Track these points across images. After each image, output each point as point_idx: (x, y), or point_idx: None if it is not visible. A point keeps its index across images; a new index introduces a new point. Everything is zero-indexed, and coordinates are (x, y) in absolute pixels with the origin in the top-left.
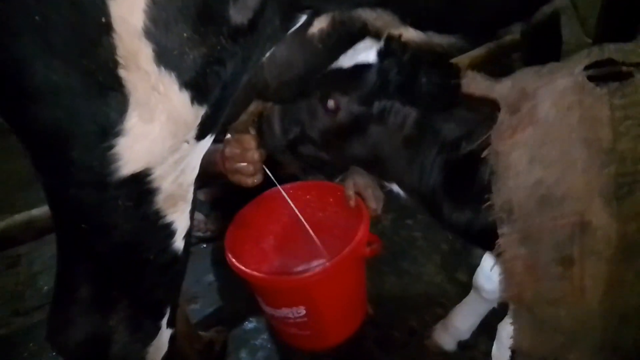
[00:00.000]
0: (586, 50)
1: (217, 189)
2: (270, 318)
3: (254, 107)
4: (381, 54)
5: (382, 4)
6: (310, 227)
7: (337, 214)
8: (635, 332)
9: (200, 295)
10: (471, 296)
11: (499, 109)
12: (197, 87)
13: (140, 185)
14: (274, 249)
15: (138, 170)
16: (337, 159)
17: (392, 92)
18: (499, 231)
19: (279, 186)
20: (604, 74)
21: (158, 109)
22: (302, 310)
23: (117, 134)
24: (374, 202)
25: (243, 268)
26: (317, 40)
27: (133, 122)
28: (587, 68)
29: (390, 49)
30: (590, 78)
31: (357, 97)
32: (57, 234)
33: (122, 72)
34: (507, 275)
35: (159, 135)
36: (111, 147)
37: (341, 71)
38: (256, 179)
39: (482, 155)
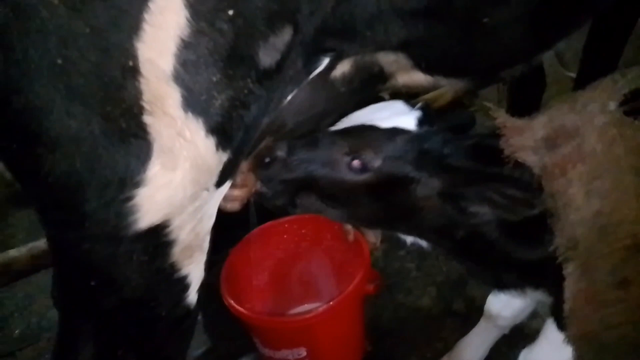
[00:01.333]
0: (609, 80)
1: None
2: (268, 359)
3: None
4: (419, 122)
5: (402, 48)
6: (306, 262)
7: (334, 248)
8: None
9: None
10: (481, 326)
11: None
12: (222, 133)
13: (158, 237)
14: (268, 287)
15: (157, 223)
16: (343, 215)
17: (424, 162)
18: (565, 271)
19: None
20: (637, 106)
21: (182, 156)
22: (303, 352)
23: (137, 184)
24: (373, 236)
25: (243, 310)
26: (339, 83)
27: (155, 170)
28: (622, 103)
29: (429, 117)
30: (627, 113)
31: (388, 161)
32: (59, 289)
33: (147, 119)
34: (571, 313)
35: (181, 183)
36: (130, 198)
37: (376, 131)
38: (236, 205)
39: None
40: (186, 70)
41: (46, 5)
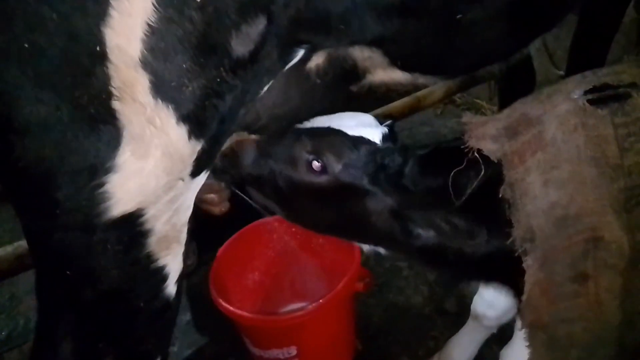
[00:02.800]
0: (579, 75)
1: (191, 221)
2: (258, 359)
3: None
4: (384, 138)
5: (377, 44)
6: (296, 261)
7: (324, 246)
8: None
9: (177, 335)
10: (469, 325)
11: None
12: (194, 121)
13: (132, 227)
14: (258, 286)
15: (130, 211)
16: (292, 215)
17: (382, 178)
18: (524, 264)
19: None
20: (602, 97)
21: (153, 144)
22: (294, 351)
23: (108, 170)
24: None
25: (233, 309)
26: (314, 75)
27: (126, 157)
28: (585, 93)
29: (394, 136)
30: (590, 101)
31: (347, 169)
32: (37, 282)
33: (116, 104)
34: (526, 302)
35: (153, 171)
36: (101, 185)
37: (342, 136)
38: (223, 208)
39: (503, 195)
40: (155, 57)
41: None
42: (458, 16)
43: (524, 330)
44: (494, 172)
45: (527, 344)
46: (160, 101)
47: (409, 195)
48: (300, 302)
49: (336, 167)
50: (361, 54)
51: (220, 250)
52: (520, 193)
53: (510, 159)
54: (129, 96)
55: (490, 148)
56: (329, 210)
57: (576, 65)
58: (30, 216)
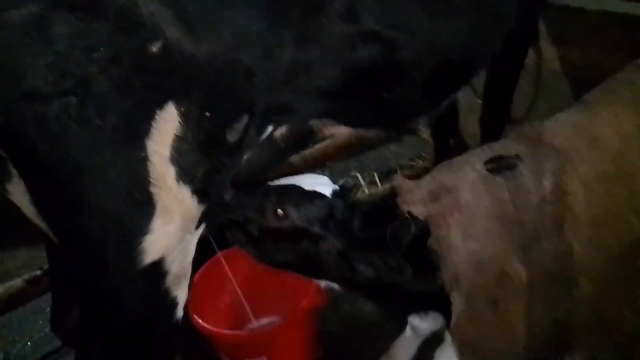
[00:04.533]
0: (479, 149)
1: None
2: None
3: None
4: (335, 194)
5: (327, 115)
6: (262, 282)
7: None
8: (540, 339)
9: None
10: (408, 332)
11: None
12: (202, 192)
13: (157, 270)
14: (229, 307)
15: (156, 259)
16: (261, 255)
17: (331, 225)
18: (451, 299)
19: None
20: (498, 166)
21: (175, 212)
22: (265, 359)
23: (145, 233)
24: None
25: (209, 327)
26: (279, 141)
27: (157, 224)
28: (486, 163)
29: (343, 193)
30: (489, 171)
31: (303, 216)
32: (81, 318)
33: (153, 190)
34: (456, 328)
35: (174, 231)
36: (140, 243)
37: (301, 191)
38: None
39: (428, 245)
40: (179, 155)
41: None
42: (384, 94)
43: (453, 345)
44: (420, 228)
45: (457, 356)
46: (182, 183)
47: (353, 240)
48: (268, 317)
49: (294, 214)
50: (315, 121)
51: (196, 276)
52: (445, 246)
53: (436, 219)
54: (161, 183)
55: (419, 210)
56: (289, 250)
57: (490, 101)
58: (84, 269)
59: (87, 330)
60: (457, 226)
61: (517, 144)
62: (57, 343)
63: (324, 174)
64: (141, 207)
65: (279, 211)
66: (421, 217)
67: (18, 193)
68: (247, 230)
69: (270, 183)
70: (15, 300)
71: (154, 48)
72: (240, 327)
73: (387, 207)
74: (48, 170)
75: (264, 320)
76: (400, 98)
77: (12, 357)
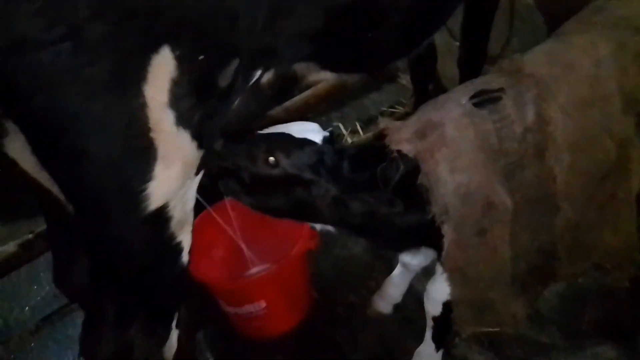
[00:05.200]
0: (462, 85)
1: None
2: (233, 317)
3: None
4: (324, 140)
5: (312, 58)
6: (255, 231)
7: None
8: (525, 264)
9: None
10: (399, 269)
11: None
12: (199, 138)
13: (161, 216)
14: (225, 257)
15: (161, 205)
16: (255, 203)
17: (322, 170)
18: (442, 231)
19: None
20: (482, 100)
21: (175, 158)
22: (263, 304)
23: (147, 180)
24: None
25: (211, 277)
26: (265, 88)
27: (159, 169)
28: (470, 98)
29: (332, 139)
30: (474, 105)
31: (294, 163)
32: (90, 267)
33: (153, 135)
34: (445, 255)
35: (175, 176)
36: (145, 189)
37: (291, 139)
38: None
39: (418, 181)
40: (176, 99)
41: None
42: (369, 35)
43: (444, 273)
44: (409, 165)
45: (448, 283)
46: (181, 128)
47: (344, 183)
48: (262, 264)
49: (285, 161)
50: (300, 66)
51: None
52: (434, 180)
53: (423, 155)
54: (160, 128)
55: (407, 148)
56: (283, 197)
57: (468, 41)
58: (90, 218)
59: (96, 283)
60: (444, 160)
61: (499, 77)
62: (55, 306)
63: None
64: (142, 154)
65: (270, 159)
66: (410, 155)
67: (16, 147)
68: (240, 177)
69: (259, 132)
70: (9, 265)
71: None
72: (237, 277)
73: (374, 150)
74: (45, 121)
75: (259, 268)
76: (381, 39)
77: (11, 322)
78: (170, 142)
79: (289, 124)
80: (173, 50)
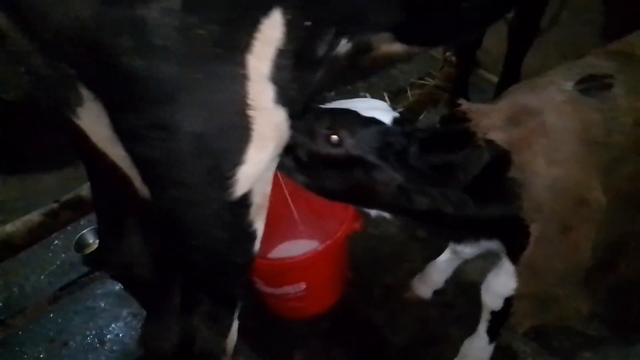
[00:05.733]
0: (563, 67)
1: None
2: (268, 296)
3: None
4: (394, 122)
5: (389, 29)
6: (296, 204)
7: None
8: (593, 259)
9: None
10: (447, 255)
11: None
12: (293, 115)
13: (244, 202)
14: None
15: (246, 191)
16: (310, 182)
17: (389, 154)
18: (531, 229)
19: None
20: (589, 87)
21: (270, 139)
22: (303, 285)
23: (239, 163)
24: None
25: None
26: (342, 58)
27: (251, 152)
28: (577, 83)
29: (402, 120)
30: (581, 91)
31: (359, 144)
32: (160, 248)
33: (250, 112)
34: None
35: (265, 159)
36: (234, 174)
37: (357, 116)
38: None
39: (512, 174)
40: (278, 71)
41: None
42: (464, 4)
43: (512, 267)
44: (497, 155)
45: (515, 278)
46: (279, 105)
47: (412, 172)
48: (293, 240)
49: (349, 141)
50: (376, 36)
51: None
52: (529, 173)
53: (518, 145)
54: (259, 105)
55: (500, 137)
56: (343, 179)
57: (520, 12)
58: (169, 201)
59: (164, 265)
60: (542, 152)
61: (607, 61)
62: (73, 276)
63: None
64: (237, 133)
65: (333, 137)
66: (501, 144)
67: (90, 117)
68: (296, 155)
69: (322, 106)
70: (35, 234)
71: None
72: (268, 251)
73: (451, 134)
74: (139, 89)
75: (298, 243)
76: (472, 8)
77: (28, 289)
78: (267, 121)
79: (354, 100)
80: (284, 13)
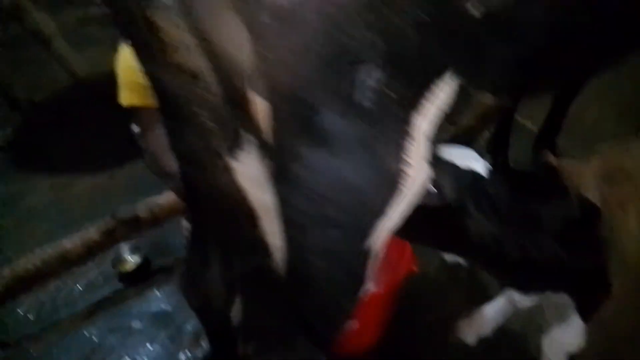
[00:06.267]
0: None
1: None
2: None
3: None
4: (488, 172)
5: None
6: None
7: None
8: None
9: None
10: (501, 302)
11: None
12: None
13: (370, 252)
14: None
15: (377, 245)
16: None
17: (483, 203)
18: (612, 282)
19: None
20: None
21: (408, 194)
22: (356, 324)
23: (381, 215)
24: None
25: None
26: None
27: (392, 208)
28: None
29: (496, 170)
30: None
31: (452, 189)
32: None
33: (403, 168)
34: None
35: (402, 210)
36: (373, 225)
37: (452, 167)
38: None
39: (601, 232)
40: (433, 130)
41: None
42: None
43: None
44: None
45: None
46: (423, 162)
47: (504, 219)
48: None
49: (449, 193)
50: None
51: None
52: (621, 234)
53: (611, 206)
54: (412, 162)
55: (593, 195)
56: (437, 228)
57: None
58: (302, 244)
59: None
60: (636, 215)
61: None
62: (105, 291)
63: None
64: (388, 186)
65: (432, 188)
66: (594, 201)
67: (250, 163)
68: None
69: None
70: (92, 251)
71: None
72: None
73: (537, 184)
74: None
75: None
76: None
77: (59, 302)
78: (412, 177)
79: (445, 147)
80: (454, 77)
